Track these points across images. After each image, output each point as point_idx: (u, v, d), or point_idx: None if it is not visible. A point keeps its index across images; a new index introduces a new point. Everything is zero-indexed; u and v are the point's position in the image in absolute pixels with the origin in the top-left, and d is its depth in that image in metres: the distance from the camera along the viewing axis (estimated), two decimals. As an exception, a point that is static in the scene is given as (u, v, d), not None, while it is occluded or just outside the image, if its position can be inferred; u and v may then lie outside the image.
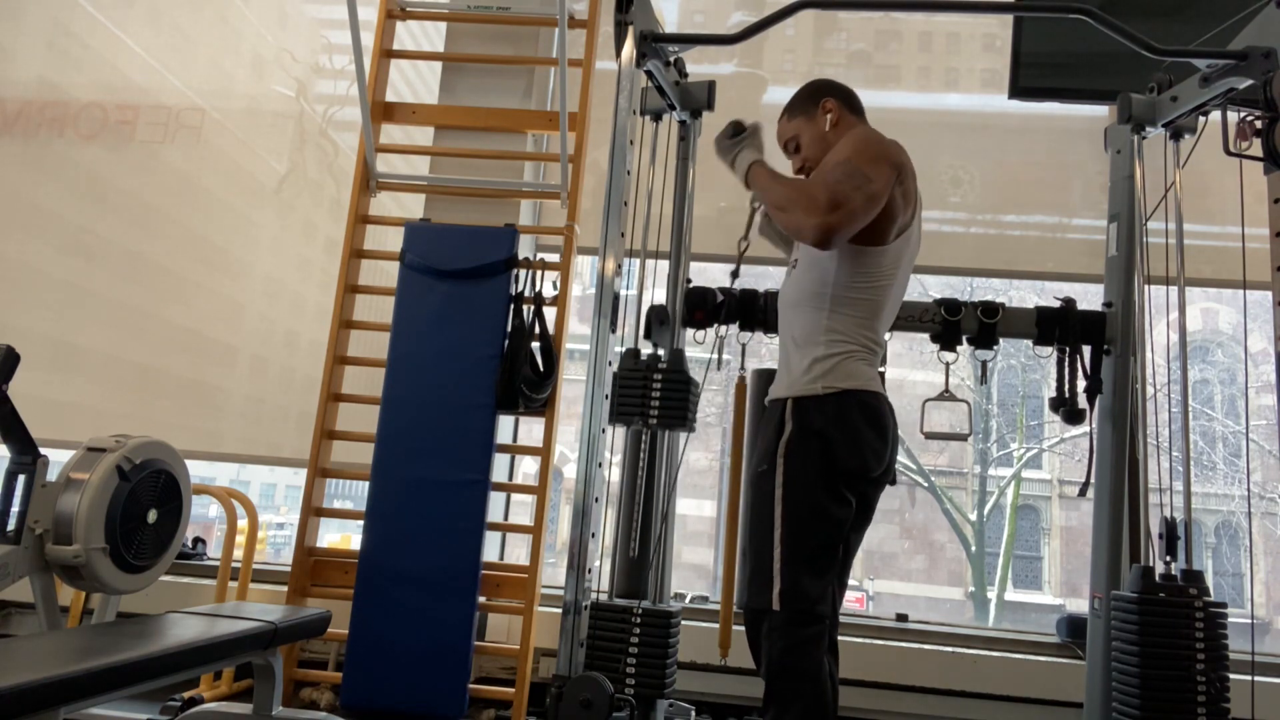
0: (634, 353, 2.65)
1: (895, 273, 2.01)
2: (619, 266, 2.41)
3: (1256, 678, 2.44)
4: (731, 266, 2.47)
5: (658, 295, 2.82)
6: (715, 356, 2.48)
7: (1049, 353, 2.71)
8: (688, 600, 3.38)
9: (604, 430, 2.36)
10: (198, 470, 2.80)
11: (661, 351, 2.68)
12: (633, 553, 2.60)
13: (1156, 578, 2.38)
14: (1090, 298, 2.81)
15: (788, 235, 2.39)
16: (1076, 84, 3.12)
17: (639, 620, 2.47)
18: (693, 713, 2.70)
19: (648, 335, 2.71)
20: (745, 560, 2.86)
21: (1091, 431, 2.64)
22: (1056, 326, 2.66)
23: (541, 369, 3.11)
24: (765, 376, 3.30)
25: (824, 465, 1.89)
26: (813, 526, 1.89)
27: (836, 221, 1.82)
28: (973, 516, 10.07)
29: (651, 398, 2.54)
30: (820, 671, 1.83)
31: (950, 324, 2.65)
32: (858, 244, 1.93)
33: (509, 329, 3.10)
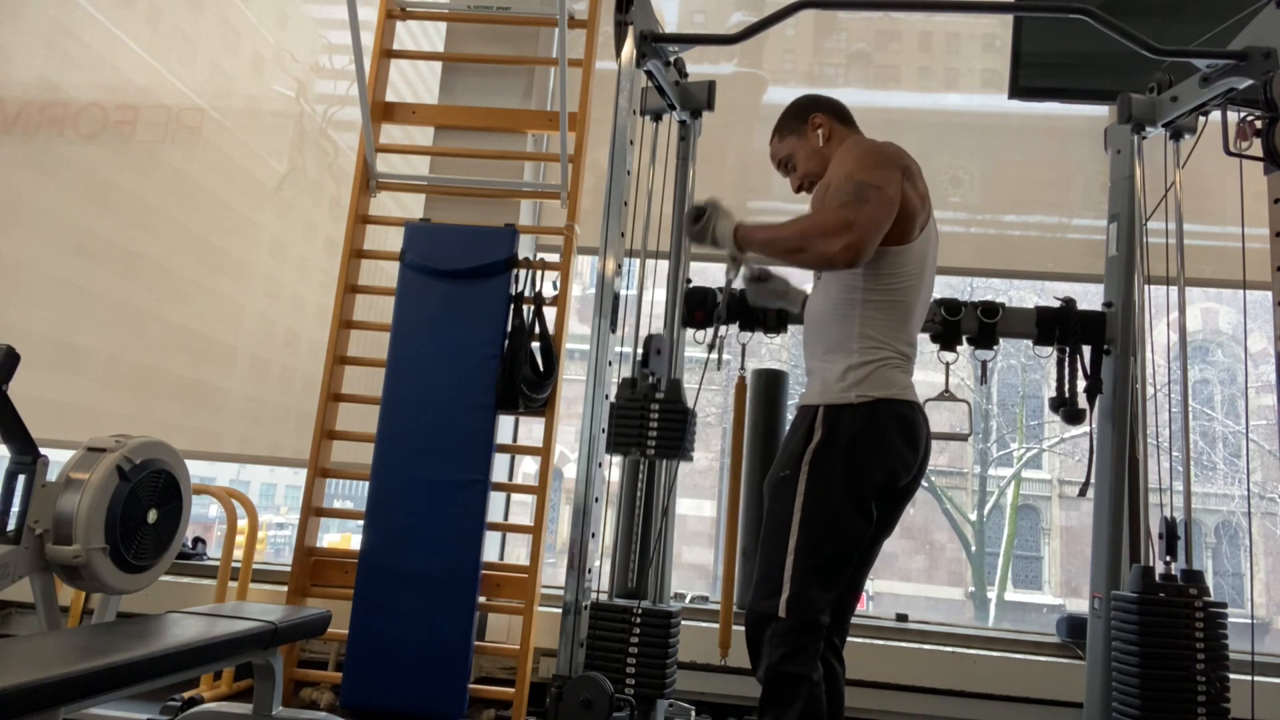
0: (631, 382, 2.64)
1: (922, 270, 1.99)
2: (619, 266, 2.41)
3: (1256, 678, 2.45)
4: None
5: (658, 295, 2.82)
6: (715, 357, 2.48)
7: (1049, 353, 2.71)
8: (688, 600, 3.38)
9: (604, 430, 2.36)
10: (198, 470, 2.80)
11: (659, 378, 2.67)
12: (632, 571, 2.60)
13: (1156, 578, 2.38)
14: (1090, 298, 2.81)
15: (784, 292, 2.34)
16: (1076, 84, 3.12)
17: (639, 620, 2.47)
18: (693, 713, 2.70)
19: (644, 363, 2.70)
20: (750, 561, 2.87)
21: (1091, 431, 2.64)
22: (1056, 326, 2.66)
23: (541, 369, 3.11)
24: (765, 376, 3.31)
25: (850, 476, 1.87)
26: (830, 539, 1.87)
27: (859, 238, 1.79)
28: (973, 516, 10.07)
29: (649, 428, 2.54)
30: (816, 675, 1.83)
31: (950, 324, 2.65)
32: (883, 245, 1.91)
33: (509, 329, 3.10)
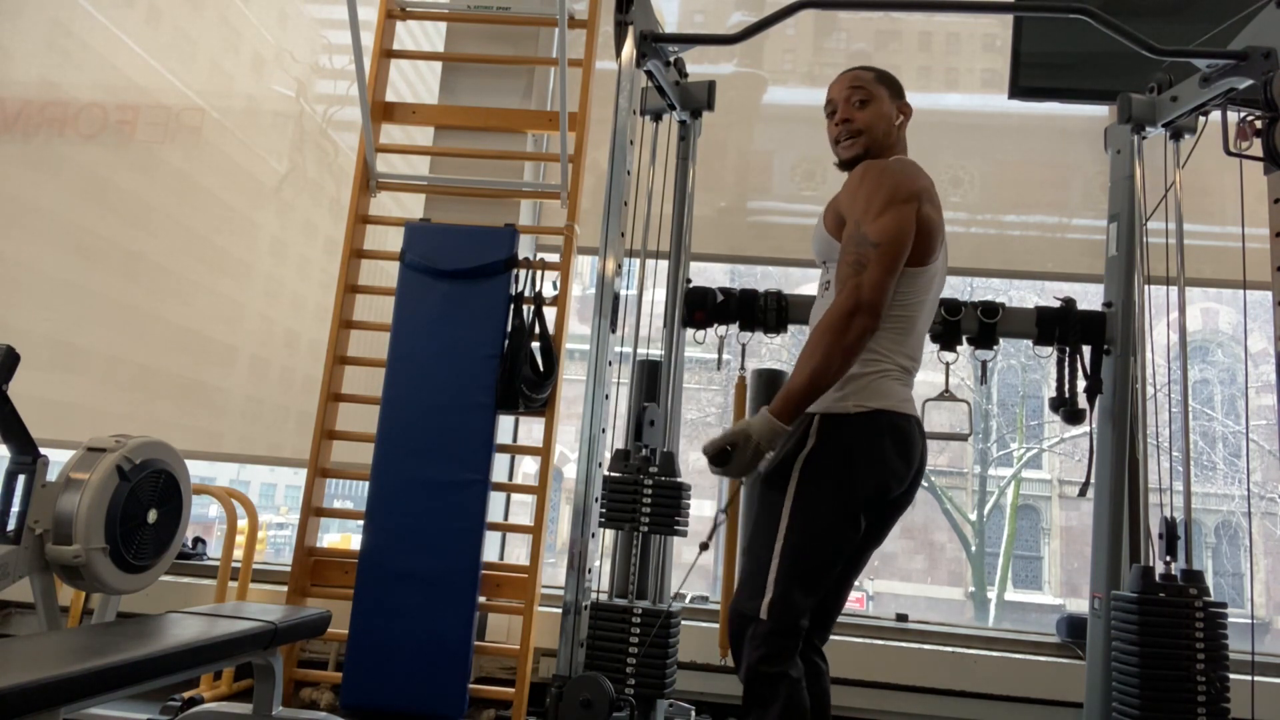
0: (624, 454, 2.63)
1: (930, 287, 1.98)
2: (619, 266, 2.41)
3: (1256, 678, 2.44)
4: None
5: (658, 295, 2.82)
6: (715, 357, 2.48)
7: (1049, 353, 2.71)
8: (688, 600, 3.38)
9: (604, 430, 2.36)
10: (198, 470, 2.80)
11: (653, 452, 2.65)
12: (632, 568, 2.59)
13: (1156, 578, 2.38)
14: (1090, 298, 2.81)
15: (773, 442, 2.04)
16: (1076, 84, 3.12)
17: (639, 620, 2.47)
18: (693, 713, 2.71)
19: (637, 436, 2.67)
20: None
21: (1091, 431, 2.64)
22: (1056, 326, 2.66)
23: (541, 369, 3.11)
24: (765, 376, 3.31)
25: (840, 486, 1.86)
26: (816, 545, 1.87)
27: (870, 307, 1.78)
28: (973, 516, 10.07)
29: (643, 503, 2.53)
30: (795, 671, 1.84)
31: (950, 324, 2.65)
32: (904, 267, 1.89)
33: (509, 329, 3.10)
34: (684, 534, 2.59)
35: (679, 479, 2.59)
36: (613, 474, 2.56)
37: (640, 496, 2.53)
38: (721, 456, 1.82)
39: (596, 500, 2.30)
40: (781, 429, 1.81)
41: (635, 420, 2.68)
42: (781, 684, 1.81)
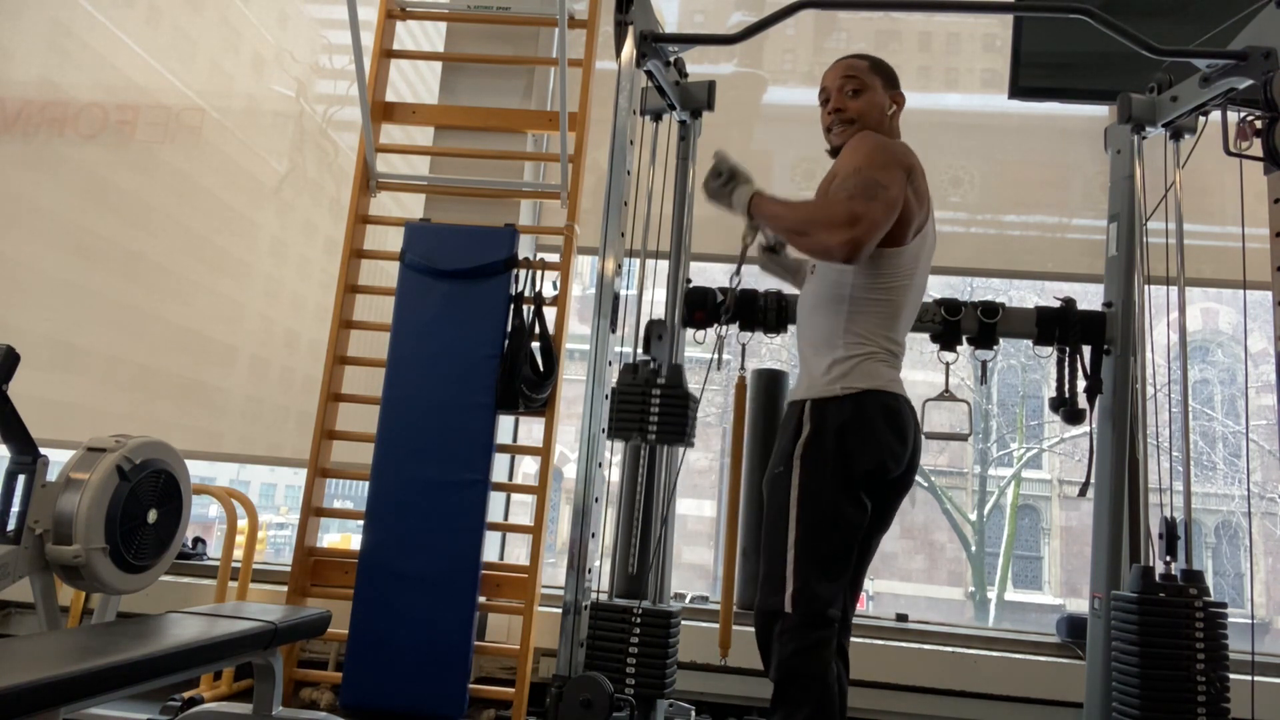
0: (632, 367, 2.65)
1: (914, 272, 1.99)
2: (619, 266, 2.40)
3: (1256, 678, 2.44)
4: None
5: (658, 295, 2.82)
6: (715, 357, 2.48)
7: (1049, 353, 2.71)
8: (688, 600, 3.38)
9: (603, 431, 2.36)
10: (198, 470, 2.80)
11: (661, 364, 2.67)
12: (631, 567, 2.59)
13: (1156, 578, 2.38)
14: (1090, 298, 2.81)
15: (796, 269, 2.32)
16: (1076, 84, 3.12)
17: (639, 620, 2.47)
18: (693, 713, 2.70)
19: (646, 349, 2.70)
20: (750, 560, 2.87)
21: (1091, 431, 2.64)
22: (1056, 326, 2.66)
23: (541, 369, 3.11)
24: (765, 376, 3.31)
25: (840, 467, 1.88)
26: (827, 530, 1.88)
27: (860, 235, 1.80)
28: (973, 516, 10.08)
29: (650, 413, 2.55)
30: (829, 674, 1.83)
31: (950, 324, 2.65)
32: (878, 246, 1.91)
33: (509, 329, 3.10)
34: (692, 444, 2.61)
35: (687, 390, 2.60)
36: (620, 385, 2.58)
37: (648, 406, 2.54)
38: (716, 175, 2.11)
39: (596, 500, 2.31)
40: (743, 207, 2.04)
41: (645, 336, 2.70)
42: (814, 687, 1.81)
